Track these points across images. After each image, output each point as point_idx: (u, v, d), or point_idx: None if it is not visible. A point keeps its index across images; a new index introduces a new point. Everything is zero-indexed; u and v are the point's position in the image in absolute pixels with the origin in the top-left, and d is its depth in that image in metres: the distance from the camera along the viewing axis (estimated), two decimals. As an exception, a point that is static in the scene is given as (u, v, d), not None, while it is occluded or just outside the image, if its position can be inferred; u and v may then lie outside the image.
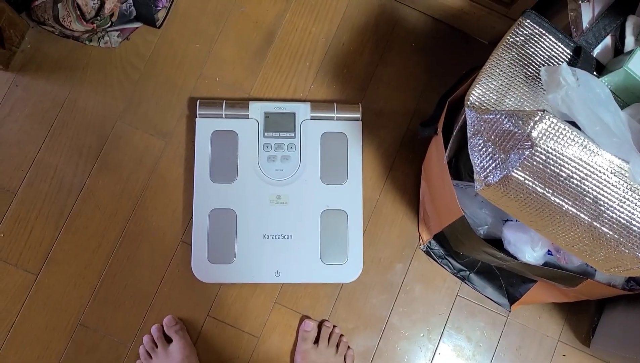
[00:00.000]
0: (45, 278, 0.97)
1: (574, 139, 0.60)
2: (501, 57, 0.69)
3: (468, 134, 0.67)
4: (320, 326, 0.98)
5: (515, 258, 0.79)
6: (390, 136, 1.05)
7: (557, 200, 0.63)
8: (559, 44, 0.70)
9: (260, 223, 0.96)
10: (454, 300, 1.02)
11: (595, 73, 0.71)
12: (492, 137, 0.65)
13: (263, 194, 0.97)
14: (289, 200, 0.98)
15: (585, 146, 0.60)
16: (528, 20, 0.70)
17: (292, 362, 0.98)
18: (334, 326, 0.99)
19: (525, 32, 0.70)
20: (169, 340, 0.96)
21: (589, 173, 0.60)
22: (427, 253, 1.02)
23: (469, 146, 0.68)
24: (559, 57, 0.70)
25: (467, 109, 0.67)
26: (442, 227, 0.92)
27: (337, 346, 0.98)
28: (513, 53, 0.70)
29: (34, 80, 1.02)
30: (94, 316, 0.98)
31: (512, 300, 1.00)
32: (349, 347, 0.98)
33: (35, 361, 0.96)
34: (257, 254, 0.96)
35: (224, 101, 1.00)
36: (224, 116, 0.99)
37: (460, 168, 0.89)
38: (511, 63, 0.69)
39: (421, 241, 1.03)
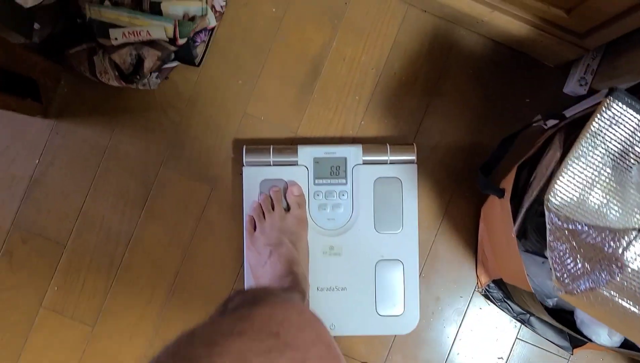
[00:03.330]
0: (101, 329, 0.98)
1: (672, 262, 0.54)
2: (585, 147, 0.62)
3: (547, 237, 0.62)
4: None
5: (588, 339, 0.75)
6: (446, 171, 0.99)
7: (648, 318, 0.58)
8: (652, 126, 0.62)
9: (313, 275, 0.93)
10: (513, 343, 0.99)
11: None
12: (576, 246, 0.59)
13: (316, 245, 0.94)
14: (343, 251, 0.94)
15: (686, 270, 0.54)
16: (616, 102, 0.62)
17: None
18: None
19: (612, 114, 0.62)
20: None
21: (688, 298, 0.55)
22: (486, 296, 0.99)
23: (548, 249, 0.62)
24: (652, 142, 0.63)
25: (547, 211, 0.61)
26: (504, 280, 0.87)
27: None
28: (598, 141, 0.62)
29: (73, 126, 0.98)
30: (151, 364, 0.98)
31: (575, 344, 0.97)
32: None
33: (97, 407, 0.98)
34: (311, 307, 0.94)
35: (271, 146, 0.94)
36: (271, 163, 0.94)
37: (527, 228, 0.83)
38: (596, 154, 0.62)
39: (479, 284, 0.99)
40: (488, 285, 0.98)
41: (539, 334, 0.98)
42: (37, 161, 0.98)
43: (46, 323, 0.97)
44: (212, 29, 0.96)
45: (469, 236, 0.99)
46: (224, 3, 0.95)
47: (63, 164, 0.98)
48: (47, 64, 0.92)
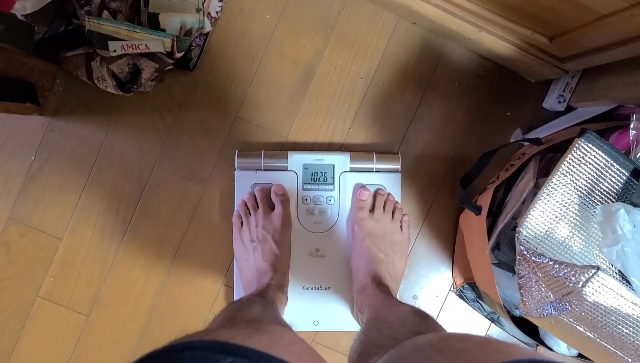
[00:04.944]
0: (95, 319, 1.02)
1: (625, 297, 0.60)
2: (556, 184, 0.67)
3: (516, 265, 0.68)
4: (375, 195, 0.99)
5: (550, 348, 0.82)
6: (428, 179, 1.04)
7: (603, 342, 0.64)
8: (617, 166, 0.68)
9: (299, 274, 0.99)
10: (483, 340, 1.06)
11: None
12: (541, 276, 0.65)
13: (302, 247, 0.99)
14: (327, 253, 0.99)
15: (637, 305, 0.60)
16: (586, 143, 0.67)
17: (351, 231, 0.99)
18: (389, 194, 0.99)
19: (582, 154, 0.67)
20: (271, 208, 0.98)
21: (638, 329, 0.61)
22: (460, 296, 1.05)
23: (516, 274, 0.68)
24: (617, 181, 0.68)
25: (517, 243, 0.67)
26: (477, 285, 0.94)
27: (393, 213, 0.98)
28: (568, 178, 0.68)
29: (69, 124, 1.00)
30: (143, 353, 1.04)
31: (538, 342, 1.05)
32: (404, 214, 0.99)
33: (91, 391, 1.04)
34: (296, 304, 0.99)
35: (262, 152, 0.98)
36: (262, 167, 0.98)
37: (501, 240, 0.89)
38: (566, 191, 0.67)
39: (454, 284, 1.05)
40: (462, 286, 1.05)
41: (506, 332, 1.06)
42: (33, 158, 1.00)
43: (42, 312, 1.02)
44: (207, 33, 0.98)
45: (447, 241, 1.05)
46: (219, 9, 0.97)
47: (59, 161, 1.01)
48: (44, 66, 0.94)
